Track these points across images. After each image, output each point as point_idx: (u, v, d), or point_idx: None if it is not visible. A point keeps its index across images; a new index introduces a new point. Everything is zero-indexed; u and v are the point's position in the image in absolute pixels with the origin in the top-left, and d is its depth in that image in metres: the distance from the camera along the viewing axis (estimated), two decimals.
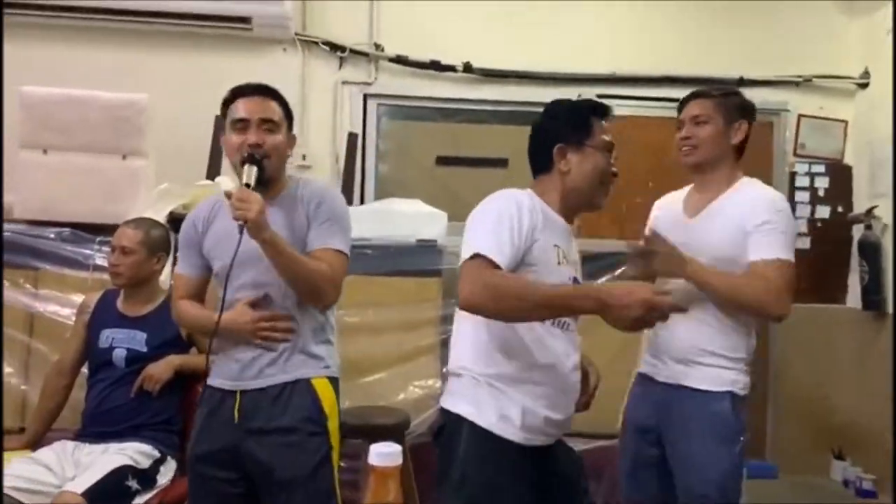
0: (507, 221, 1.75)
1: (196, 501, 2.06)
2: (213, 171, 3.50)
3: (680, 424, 2.10)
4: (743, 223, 2.05)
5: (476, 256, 1.69)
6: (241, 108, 2.02)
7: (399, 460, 0.74)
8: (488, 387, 1.80)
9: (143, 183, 3.21)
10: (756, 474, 3.49)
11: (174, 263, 3.01)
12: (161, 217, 2.96)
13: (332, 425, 2.02)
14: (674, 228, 2.15)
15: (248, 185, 1.93)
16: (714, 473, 2.03)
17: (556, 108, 1.98)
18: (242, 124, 2.01)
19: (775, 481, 4.00)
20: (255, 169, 1.95)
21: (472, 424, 1.79)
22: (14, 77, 3.32)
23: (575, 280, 1.89)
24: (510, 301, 1.65)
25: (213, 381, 2.06)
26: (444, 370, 1.97)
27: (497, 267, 1.68)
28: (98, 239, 3.04)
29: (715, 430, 2.06)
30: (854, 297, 4.13)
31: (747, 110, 2.21)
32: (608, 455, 2.97)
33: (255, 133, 1.99)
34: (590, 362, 2.03)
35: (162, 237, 2.72)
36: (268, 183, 1.99)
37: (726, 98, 2.19)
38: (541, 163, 1.94)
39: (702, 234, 2.11)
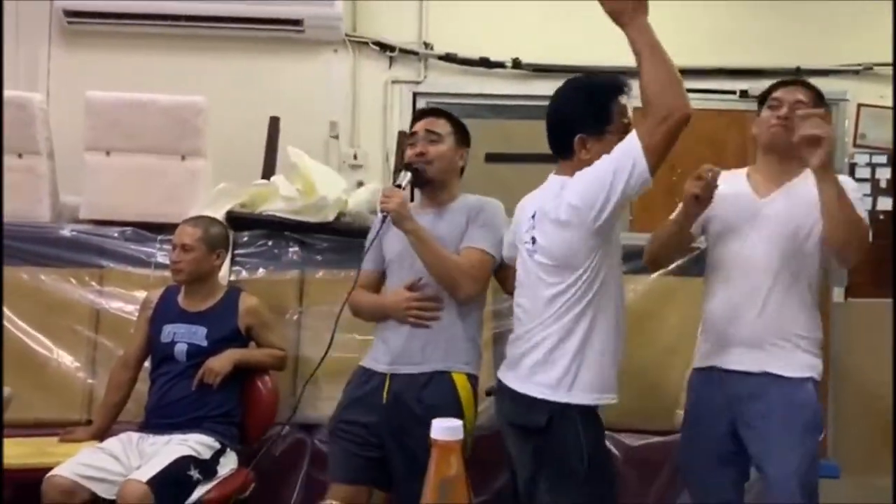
0: None
1: (334, 463, 2.32)
2: (268, 171, 3.57)
3: (762, 415, 2.01)
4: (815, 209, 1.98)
5: None
6: (413, 126, 2.38)
7: (461, 434, 0.76)
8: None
9: (202, 183, 3.29)
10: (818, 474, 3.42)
11: (233, 260, 3.10)
12: (219, 215, 3.03)
13: (468, 418, 2.19)
14: (741, 205, 2.10)
15: (398, 186, 2.27)
16: (801, 464, 1.96)
17: (574, 94, 1.96)
18: (413, 138, 2.35)
19: (837, 481, 3.90)
20: (408, 174, 2.30)
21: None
22: (79, 82, 3.45)
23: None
24: None
25: (366, 363, 2.34)
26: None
27: None
28: (159, 237, 3.13)
29: (801, 418, 1.99)
30: None
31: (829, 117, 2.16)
32: (663, 451, 2.94)
33: (420, 144, 2.31)
34: None
35: (220, 234, 2.79)
36: (427, 184, 2.33)
37: (821, 97, 2.15)
38: (562, 149, 1.94)
39: (777, 211, 2.06)
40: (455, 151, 2.35)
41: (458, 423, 0.76)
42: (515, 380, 1.99)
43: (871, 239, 1.99)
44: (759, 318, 2.03)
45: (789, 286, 2.03)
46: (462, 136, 2.38)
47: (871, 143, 4.18)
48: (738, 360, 2.06)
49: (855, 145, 4.19)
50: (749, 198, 2.12)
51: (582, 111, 1.91)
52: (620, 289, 1.98)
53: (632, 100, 1.90)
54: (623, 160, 1.75)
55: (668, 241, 2.18)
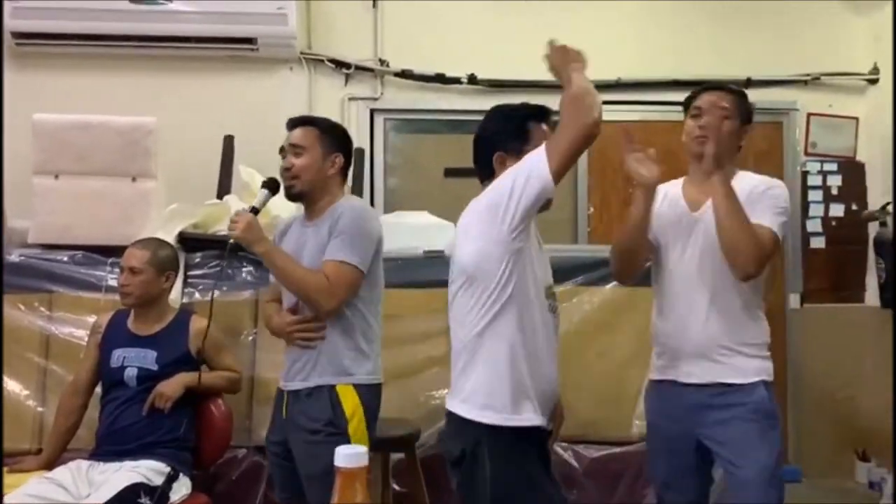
0: None
1: (276, 485, 2.36)
2: (223, 191, 3.55)
3: (721, 422, 2.05)
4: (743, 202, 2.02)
5: None
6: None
7: (364, 461, 0.75)
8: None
9: (154, 204, 3.25)
10: None
11: (185, 282, 3.06)
12: (171, 237, 3.00)
13: (355, 430, 2.16)
14: (677, 220, 2.14)
15: (253, 208, 2.27)
16: (767, 462, 2.00)
17: (495, 115, 2.00)
18: (283, 152, 2.31)
19: (800, 485, 3.94)
20: (265, 193, 2.31)
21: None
22: (26, 105, 3.39)
23: None
24: None
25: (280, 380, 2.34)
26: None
27: None
28: (110, 260, 3.08)
29: (758, 419, 2.02)
30: (873, 295, 4.08)
31: (751, 115, 2.20)
32: (622, 461, 2.96)
33: (287, 159, 2.29)
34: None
35: (169, 256, 2.75)
36: (298, 198, 2.29)
37: (742, 98, 2.18)
38: (485, 170, 1.96)
39: (707, 223, 2.07)
40: (324, 159, 2.28)
41: (362, 449, 0.75)
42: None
43: (770, 249, 2.00)
44: (704, 330, 2.07)
45: (728, 296, 2.07)
46: (332, 141, 2.31)
47: (822, 152, 4.26)
48: (690, 373, 2.10)
49: (806, 154, 4.26)
50: (683, 212, 2.16)
51: (501, 130, 1.95)
52: (538, 309, 1.88)
53: (548, 125, 1.94)
54: (524, 166, 1.77)
55: (632, 234, 2.14)
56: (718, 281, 2.06)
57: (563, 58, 1.85)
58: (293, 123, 2.36)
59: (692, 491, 2.16)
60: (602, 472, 2.94)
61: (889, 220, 3.91)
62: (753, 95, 2.38)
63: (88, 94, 3.81)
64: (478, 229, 1.84)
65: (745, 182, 2.10)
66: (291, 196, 2.30)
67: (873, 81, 4.18)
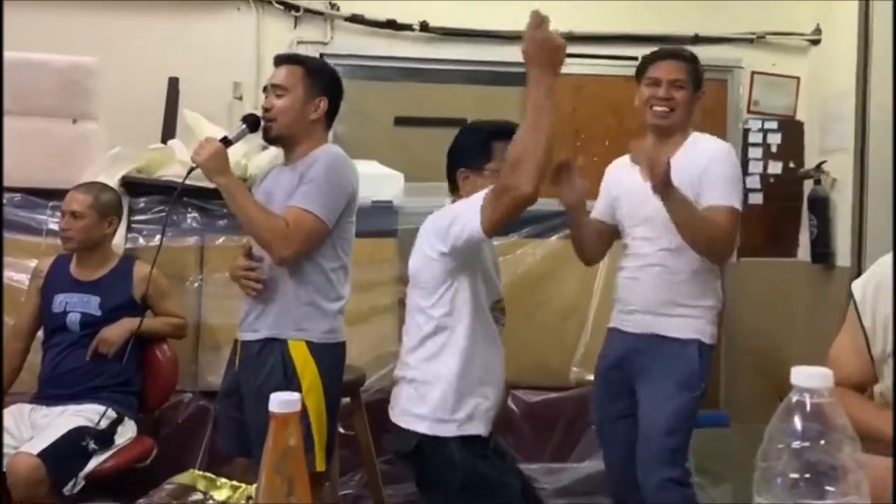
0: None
1: (219, 435, 2.38)
2: (167, 134, 3.48)
3: (646, 369, 2.21)
4: (698, 174, 2.16)
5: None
6: None
7: (297, 407, 0.79)
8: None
9: (95, 147, 3.18)
10: (709, 423, 3.62)
11: (128, 228, 3.03)
12: (114, 181, 2.95)
13: (308, 389, 2.08)
14: (631, 193, 2.27)
15: (225, 138, 2.15)
16: (664, 414, 2.15)
17: (463, 132, 2.13)
18: (265, 91, 2.22)
19: (728, 429, 4.14)
20: (243, 127, 2.20)
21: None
22: None
23: None
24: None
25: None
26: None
27: None
28: (51, 204, 3.02)
29: (676, 374, 2.17)
30: (805, 251, 4.24)
31: (702, 80, 2.32)
32: (559, 406, 3.08)
33: (267, 99, 2.19)
34: None
35: (112, 201, 2.72)
36: (276, 142, 2.22)
37: (695, 65, 2.30)
38: (452, 183, 2.09)
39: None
40: (306, 102, 2.16)
41: (295, 396, 0.79)
42: None
43: (732, 229, 2.17)
44: (652, 289, 2.23)
45: (678, 259, 2.20)
46: (318, 83, 2.18)
47: (764, 110, 4.36)
48: (634, 323, 2.28)
49: (749, 111, 4.36)
50: (638, 183, 2.23)
51: (464, 147, 2.07)
52: (483, 323, 1.98)
53: None
54: (464, 214, 1.88)
55: (578, 236, 2.40)
56: (670, 244, 2.19)
57: (539, 50, 1.87)
58: (279, 60, 2.24)
59: (625, 434, 2.26)
60: (539, 417, 3.06)
61: (822, 178, 4.05)
62: (700, 52, 2.47)
63: (27, 31, 3.65)
64: (426, 240, 1.98)
65: (700, 149, 2.23)
66: (269, 139, 2.21)
67: (815, 42, 4.27)
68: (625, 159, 2.40)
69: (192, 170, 2.15)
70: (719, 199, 2.15)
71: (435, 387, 1.93)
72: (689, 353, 2.20)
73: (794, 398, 0.69)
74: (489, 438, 1.99)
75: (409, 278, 2.06)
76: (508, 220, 1.85)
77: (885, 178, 3.64)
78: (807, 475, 0.66)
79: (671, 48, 2.39)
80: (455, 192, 2.09)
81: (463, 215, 1.88)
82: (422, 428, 1.93)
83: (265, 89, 2.24)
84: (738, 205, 2.18)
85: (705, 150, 2.23)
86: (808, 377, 0.69)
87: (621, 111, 4.28)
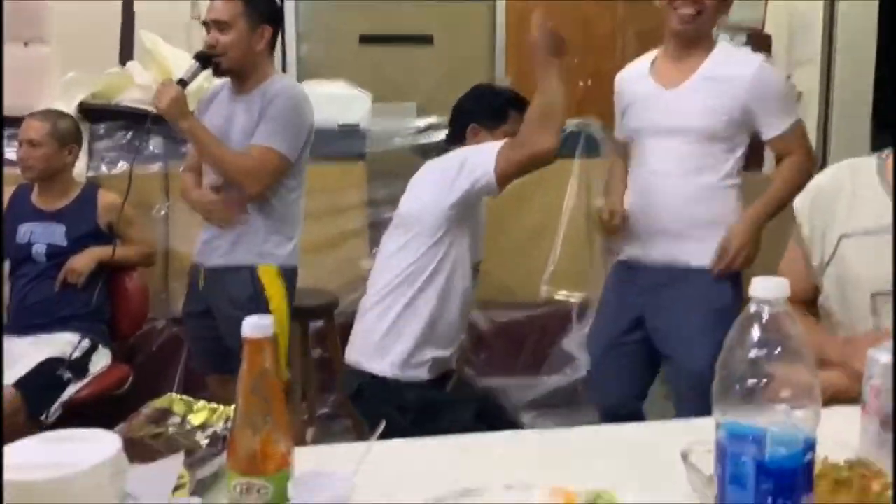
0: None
1: (192, 355, 2.50)
2: (124, 58, 3.37)
3: (677, 307, 1.99)
4: (742, 95, 1.95)
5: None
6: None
7: (270, 331, 0.80)
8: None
9: (49, 72, 3.07)
10: None
11: (89, 155, 2.96)
12: (70, 107, 2.87)
13: (276, 309, 2.19)
14: (649, 102, 2.05)
15: (181, 80, 2.17)
16: (713, 355, 1.93)
17: (478, 91, 2.13)
18: (206, 27, 2.21)
19: None
20: (196, 65, 2.18)
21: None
22: None
23: None
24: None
25: (194, 255, 2.36)
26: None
27: None
28: (7, 133, 2.93)
29: (716, 309, 1.92)
30: (771, 164, 4.29)
31: None
32: (528, 325, 3.15)
33: (210, 35, 2.18)
34: None
35: (71, 128, 2.65)
36: (226, 74, 2.22)
37: None
38: (455, 137, 2.07)
39: (689, 101, 1.99)
40: (250, 34, 2.18)
41: (267, 319, 0.80)
42: None
43: (807, 144, 2.07)
44: (675, 210, 1.99)
45: (706, 177, 1.99)
46: (259, 12, 2.20)
47: (733, 24, 4.31)
48: (656, 253, 2.04)
49: (718, 26, 4.31)
50: (655, 91, 2.06)
51: (482, 105, 2.07)
52: (461, 279, 1.96)
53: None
54: (480, 157, 1.87)
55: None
56: (698, 161, 1.99)
57: (547, 48, 1.84)
58: None
59: (620, 368, 2.12)
60: (510, 334, 3.12)
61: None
62: None
63: None
64: (426, 187, 1.96)
65: (734, 64, 1.99)
66: (219, 73, 2.24)
67: None
68: (633, 68, 2.17)
69: (153, 114, 2.22)
70: (783, 124, 1.98)
71: (397, 342, 1.91)
72: (723, 284, 1.97)
73: (752, 308, 0.72)
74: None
75: (397, 219, 2.01)
76: (523, 173, 1.88)
77: (851, 90, 3.67)
78: (763, 381, 0.69)
79: None
80: (458, 143, 2.06)
81: (474, 163, 1.86)
82: (365, 365, 1.94)
83: (205, 23, 2.22)
84: (797, 115, 2.02)
85: (741, 65, 1.98)
86: (765, 288, 0.71)
87: (588, 29, 4.23)
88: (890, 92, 3.53)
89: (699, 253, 1.99)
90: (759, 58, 2.08)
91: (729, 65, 2.00)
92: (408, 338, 1.91)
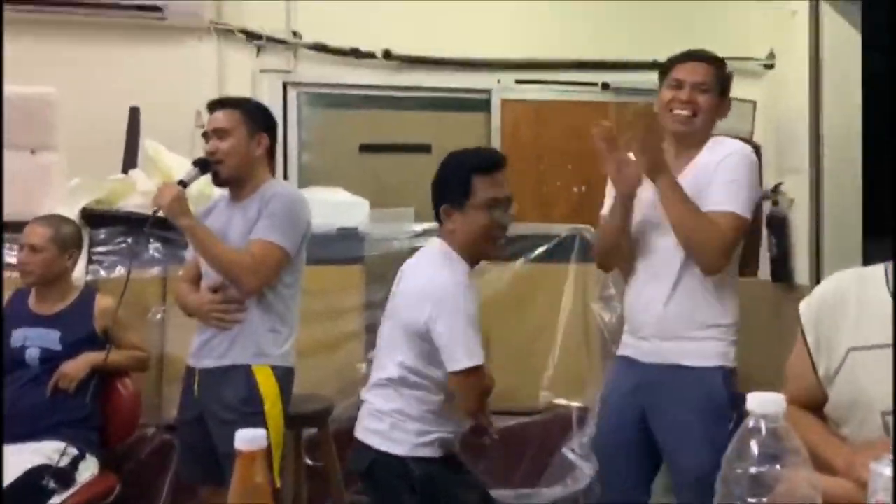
0: (474, 320, 1.92)
1: (184, 464, 2.41)
2: (129, 165, 3.45)
3: (672, 405, 2.01)
4: (709, 175, 1.99)
5: (475, 369, 1.88)
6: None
7: (264, 443, 0.78)
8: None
9: (55, 178, 3.14)
10: None
11: (89, 260, 2.98)
12: (74, 213, 2.93)
13: (270, 410, 2.19)
14: (646, 197, 2.05)
15: (181, 181, 2.23)
16: (709, 453, 1.89)
17: (445, 165, 2.03)
18: (206, 136, 2.30)
19: None
20: (195, 170, 2.26)
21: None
22: None
23: None
24: None
25: (188, 359, 2.34)
26: None
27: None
28: (9, 237, 2.97)
29: (702, 410, 1.97)
30: (765, 269, 4.32)
31: (729, 86, 2.14)
32: (529, 431, 3.08)
33: (211, 143, 2.26)
34: None
35: (72, 233, 2.68)
36: (225, 183, 2.29)
37: (722, 69, 2.10)
38: (438, 218, 2.02)
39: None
40: (248, 142, 2.27)
41: (261, 432, 0.79)
42: None
43: (733, 237, 1.96)
44: (667, 309, 2.01)
45: (696, 275, 2.00)
46: (256, 122, 2.29)
47: (722, 133, 4.44)
48: (649, 351, 2.07)
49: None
50: (652, 189, 2.06)
51: (446, 181, 1.99)
52: None
53: (500, 176, 1.98)
54: (448, 347, 1.92)
55: (615, 233, 2.13)
56: (688, 259, 1.99)
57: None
58: (213, 106, 2.34)
59: (631, 469, 2.12)
60: (509, 442, 3.05)
61: (780, 198, 4.14)
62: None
63: None
64: (422, 318, 1.91)
65: (717, 151, 2.04)
66: (219, 182, 2.29)
67: (769, 66, 4.39)
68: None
69: (155, 213, 2.24)
70: (722, 202, 1.95)
71: (406, 421, 1.94)
72: (717, 381, 1.98)
73: (750, 423, 0.71)
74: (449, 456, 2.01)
75: (396, 313, 2.00)
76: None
77: (840, 197, 3.74)
78: (764, 499, 0.67)
79: (698, 50, 2.11)
80: (441, 224, 2.02)
81: (445, 341, 1.89)
82: (376, 443, 1.95)
83: (205, 135, 2.30)
84: (742, 211, 1.96)
85: (720, 152, 2.03)
86: (762, 403, 0.70)
87: (582, 135, 4.34)
88: (878, 200, 3.60)
89: (690, 352, 2.01)
90: (737, 146, 2.06)
91: (714, 151, 2.04)
92: (416, 419, 1.93)
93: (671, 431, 2.02)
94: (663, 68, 2.14)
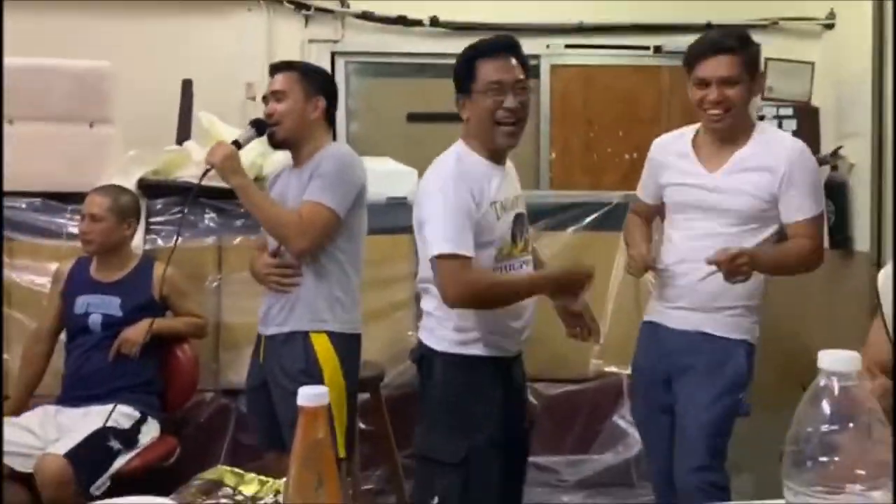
0: (457, 208, 1.85)
1: (255, 430, 2.43)
2: (182, 136, 3.50)
3: (689, 368, 2.09)
4: (777, 178, 2.03)
5: (449, 257, 1.82)
6: None
7: (325, 400, 0.80)
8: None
9: (112, 150, 3.20)
10: None
11: (147, 229, 3.05)
12: (130, 184, 2.98)
13: (331, 379, 2.17)
14: (690, 181, 2.12)
15: (235, 141, 2.25)
16: (708, 417, 2.04)
17: (456, 58, 2.00)
18: (265, 100, 2.30)
19: (747, 418, 4.12)
20: (251, 130, 2.28)
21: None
22: None
23: (518, 217, 2.00)
24: (491, 301, 1.91)
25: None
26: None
27: (468, 259, 1.83)
28: (70, 207, 3.05)
29: (722, 376, 2.06)
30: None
31: (758, 62, 2.12)
32: (578, 399, 3.08)
33: (269, 105, 2.27)
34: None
35: (130, 203, 2.74)
36: (282, 145, 2.30)
37: (749, 51, 2.06)
38: (460, 113, 2.00)
39: (728, 185, 2.06)
40: (305, 104, 2.25)
41: (322, 389, 0.80)
42: None
43: (820, 238, 2.11)
44: (701, 284, 2.06)
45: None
46: (313, 85, 2.28)
47: (779, 97, 4.31)
48: (677, 319, 2.14)
49: (763, 98, 4.31)
50: (697, 171, 2.12)
51: (456, 73, 1.98)
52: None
53: (506, 60, 1.93)
54: (430, 235, 1.91)
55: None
56: (729, 241, 2.03)
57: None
58: (274, 69, 2.34)
59: (668, 427, 2.16)
60: (559, 409, 3.06)
61: (840, 163, 4.01)
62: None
63: (42, 37, 3.70)
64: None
65: (773, 146, 2.07)
66: (274, 143, 2.30)
67: (829, 26, 4.23)
68: (673, 141, 2.22)
69: (206, 171, 2.26)
70: (807, 211, 2.03)
71: (445, 321, 1.95)
72: (737, 354, 2.08)
73: (822, 382, 0.69)
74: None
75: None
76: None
77: None
78: (836, 458, 0.66)
79: (716, 38, 2.07)
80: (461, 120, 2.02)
81: (426, 229, 1.90)
82: (424, 337, 1.99)
83: (265, 98, 2.31)
84: (822, 207, 2.11)
85: (781, 150, 2.06)
86: (834, 361, 0.68)
87: (633, 101, 4.27)
88: None
89: (719, 324, 2.09)
90: (797, 144, 2.12)
91: (768, 151, 2.07)
92: (452, 318, 1.92)
93: (685, 387, 2.10)
94: (686, 62, 2.11)
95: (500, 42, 1.96)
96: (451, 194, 1.85)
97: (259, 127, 2.28)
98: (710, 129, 2.11)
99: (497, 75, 1.90)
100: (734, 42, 2.05)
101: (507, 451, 1.95)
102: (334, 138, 4.05)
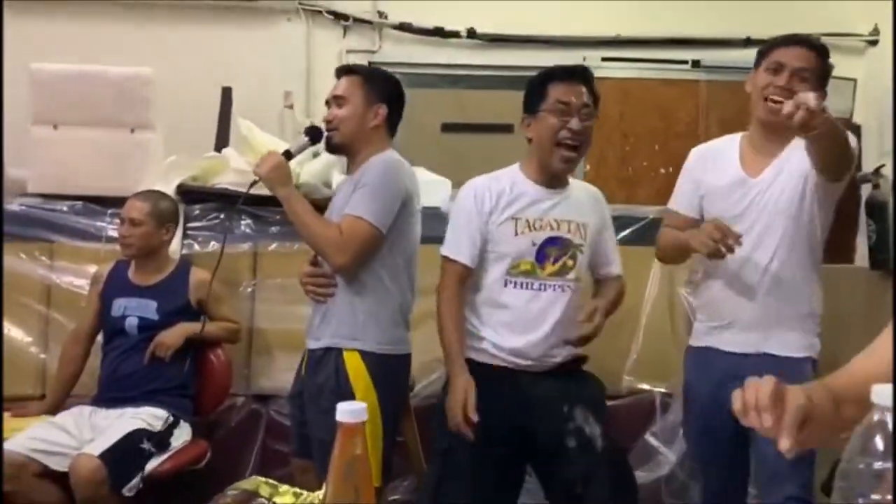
0: (465, 218, 2.05)
1: (294, 438, 2.34)
2: (221, 143, 3.55)
3: None
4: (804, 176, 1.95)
5: (445, 260, 2.10)
6: None
7: (364, 416, 0.80)
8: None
9: (152, 155, 3.26)
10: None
11: (185, 234, 3.09)
12: (170, 189, 3.02)
13: (360, 397, 2.03)
14: (734, 187, 2.03)
15: (287, 151, 2.24)
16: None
17: (528, 81, 2.08)
18: (328, 104, 2.26)
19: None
20: (305, 140, 2.28)
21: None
22: (23, 54, 3.37)
23: (549, 241, 2.04)
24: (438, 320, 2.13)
25: None
26: None
27: (459, 263, 2.09)
28: (110, 211, 3.10)
29: None
30: (862, 256, 4.13)
31: (828, 77, 2.05)
32: (612, 415, 3.02)
33: (330, 111, 2.23)
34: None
35: (170, 209, 2.78)
36: (338, 151, 2.29)
37: (826, 63, 2.02)
38: (525, 134, 2.07)
39: (771, 190, 2.00)
40: (365, 110, 2.18)
41: (361, 405, 0.80)
42: None
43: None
44: (757, 300, 1.99)
45: (786, 267, 1.98)
46: (375, 91, 2.20)
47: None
48: (736, 341, 2.03)
49: None
50: (741, 179, 2.05)
51: (526, 93, 2.07)
52: (497, 283, 2.16)
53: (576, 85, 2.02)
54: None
55: (675, 254, 2.23)
56: (778, 250, 1.97)
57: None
58: (339, 73, 2.29)
59: (726, 463, 2.09)
60: None
61: (882, 182, 3.94)
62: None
63: (85, 42, 3.78)
64: None
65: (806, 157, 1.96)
66: (330, 148, 2.26)
67: (873, 43, 4.16)
68: (717, 151, 2.14)
69: (254, 182, 2.23)
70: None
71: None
72: (805, 372, 1.93)
73: (875, 417, 0.67)
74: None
75: None
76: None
77: None
78: (888, 497, 0.64)
79: (803, 35, 2.02)
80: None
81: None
82: None
83: (327, 102, 2.26)
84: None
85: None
86: (888, 395, 0.67)
87: (669, 115, 4.24)
88: None
89: (779, 342, 1.99)
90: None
91: (801, 153, 1.95)
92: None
93: None
94: (762, 50, 2.04)
95: (575, 69, 2.03)
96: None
97: (313, 135, 2.26)
98: (761, 125, 2.00)
99: (566, 97, 1.96)
100: (819, 45, 2.03)
101: (503, 456, 2.04)
102: None
